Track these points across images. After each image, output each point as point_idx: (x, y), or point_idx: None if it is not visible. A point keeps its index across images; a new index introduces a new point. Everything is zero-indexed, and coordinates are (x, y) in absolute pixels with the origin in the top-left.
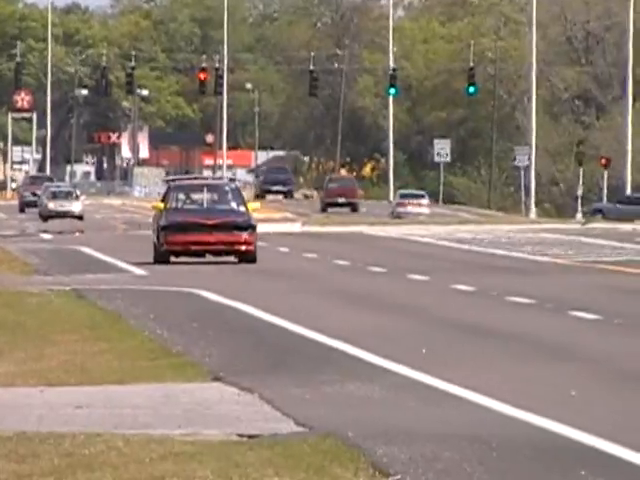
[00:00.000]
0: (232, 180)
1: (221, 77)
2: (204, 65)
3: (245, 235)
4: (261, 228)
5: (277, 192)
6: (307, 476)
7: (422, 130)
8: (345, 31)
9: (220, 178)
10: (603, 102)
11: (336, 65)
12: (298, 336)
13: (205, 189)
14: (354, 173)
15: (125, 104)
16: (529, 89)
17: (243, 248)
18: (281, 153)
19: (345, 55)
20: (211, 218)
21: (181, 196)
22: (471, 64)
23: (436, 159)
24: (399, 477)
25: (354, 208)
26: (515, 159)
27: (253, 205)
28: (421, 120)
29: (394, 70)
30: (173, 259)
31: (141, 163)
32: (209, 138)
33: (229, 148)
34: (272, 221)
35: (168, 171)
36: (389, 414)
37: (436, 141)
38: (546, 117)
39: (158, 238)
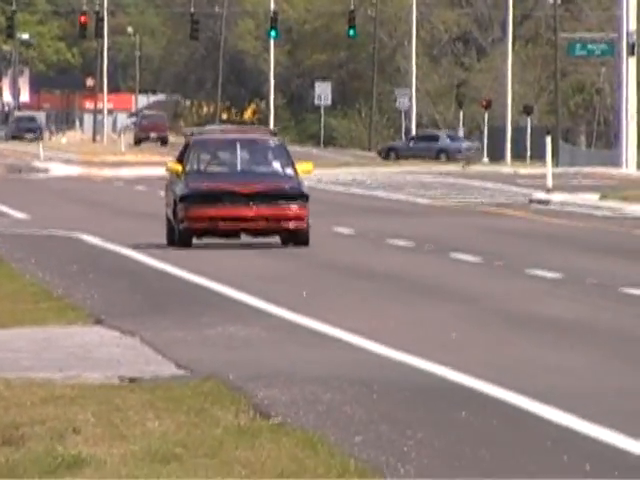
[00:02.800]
0: (274, 133)
1: (101, 20)
2: (84, 9)
3: (295, 207)
4: (146, 171)
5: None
6: (188, 418)
7: (303, 73)
8: None
9: (256, 129)
10: (483, 44)
11: (217, 8)
12: (180, 279)
13: (238, 145)
14: (235, 116)
15: (6, 48)
16: (409, 31)
17: (292, 225)
18: (162, 97)
19: None
20: (248, 184)
21: (206, 155)
22: (351, 7)
23: (317, 102)
24: (280, 419)
25: (164, 141)
26: (396, 101)
27: (304, 166)
28: (302, 63)
29: (275, 13)
30: (196, 241)
31: (22, 107)
32: (89, 82)
33: (110, 92)
34: (151, 164)
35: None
36: (270, 357)
37: (317, 84)
38: (426, 59)
39: (175, 212)
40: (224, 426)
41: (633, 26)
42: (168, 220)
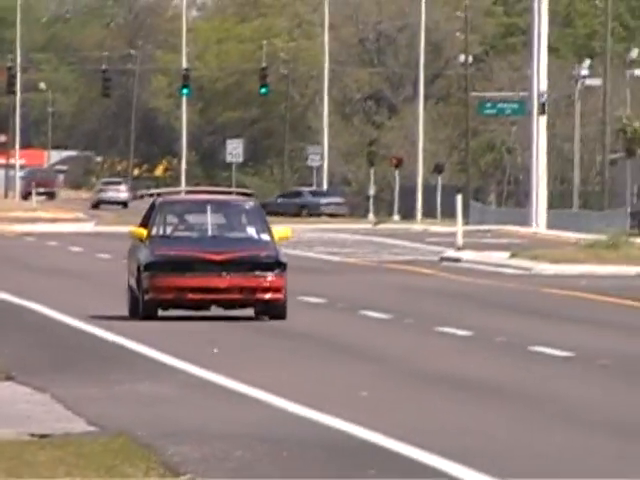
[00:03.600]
0: (249, 195)
1: (14, 77)
2: None
3: (271, 277)
4: (53, 228)
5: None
6: (98, 475)
7: (215, 130)
8: (138, 31)
9: (230, 192)
10: (395, 102)
11: (129, 65)
12: (89, 335)
13: (209, 207)
14: (147, 173)
15: None
16: (321, 90)
17: (268, 296)
18: (74, 153)
19: (138, 55)
20: (220, 251)
21: (173, 218)
22: (263, 64)
23: (228, 159)
24: (190, 476)
25: (51, 196)
26: (307, 159)
27: (281, 232)
28: (214, 120)
29: (187, 70)
30: (162, 313)
31: None
32: (1, 138)
33: (22, 147)
34: (63, 221)
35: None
36: (180, 413)
37: (228, 141)
38: (338, 117)
39: (139, 282)
40: None
41: (543, 86)
42: (131, 290)
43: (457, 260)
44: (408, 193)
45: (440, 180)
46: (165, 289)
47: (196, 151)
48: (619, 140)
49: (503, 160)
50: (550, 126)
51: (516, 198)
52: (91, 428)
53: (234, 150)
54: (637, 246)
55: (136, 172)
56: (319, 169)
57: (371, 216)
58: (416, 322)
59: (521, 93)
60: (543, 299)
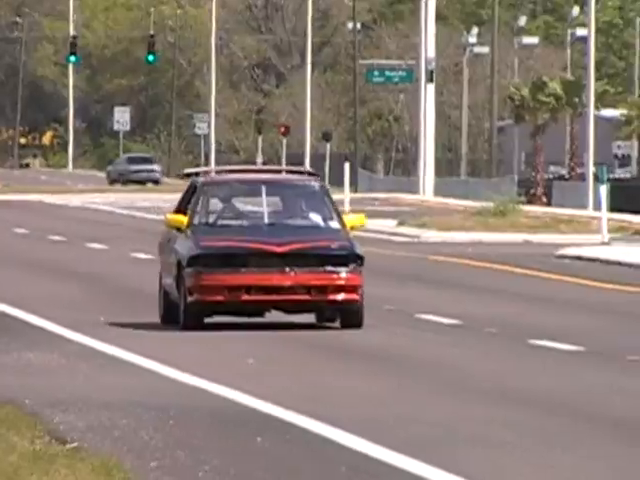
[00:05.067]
0: (313, 174)
1: None
2: None
3: (345, 272)
4: None
5: None
6: None
7: (102, 98)
8: None
9: (289, 170)
10: (283, 70)
11: (16, 33)
12: None
13: (264, 189)
14: (34, 141)
15: None
16: (209, 57)
17: (341, 297)
18: None
19: (24, 23)
20: (282, 242)
21: (219, 203)
22: (151, 32)
23: (116, 127)
24: (76, 444)
25: None
26: (195, 127)
27: (354, 220)
28: (101, 88)
29: (74, 38)
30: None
31: None
32: None
33: None
34: None
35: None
36: (68, 382)
37: (116, 109)
38: (226, 85)
39: (179, 280)
40: (20, 452)
41: (432, 54)
42: (165, 293)
43: None
44: (296, 161)
45: (328, 148)
46: (215, 289)
47: (83, 119)
48: (507, 107)
49: (391, 128)
50: (438, 94)
51: (404, 166)
52: None
53: (121, 118)
54: (524, 213)
55: (23, 141)
56: (206, 137)
57: None
58: None
59: (409, 61)
60: (430, 267)
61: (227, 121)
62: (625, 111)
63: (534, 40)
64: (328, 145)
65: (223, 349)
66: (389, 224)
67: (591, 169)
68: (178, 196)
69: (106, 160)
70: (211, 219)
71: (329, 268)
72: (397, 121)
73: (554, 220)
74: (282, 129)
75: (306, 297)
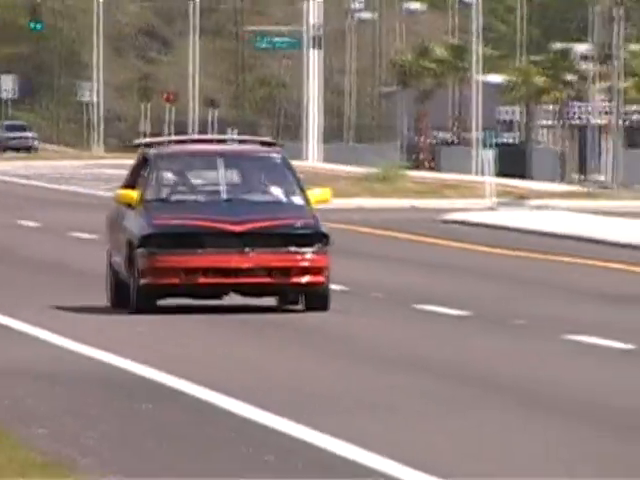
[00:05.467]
0: (272, 144)
1: None
2: None
3: (310, 253)
4: None
5: None
6: None
7: None
8: None
9: (246, 140)
10: (168, 37)
11: None
12: None
13: (221, 162)
14: None
15: None
16: (94, 25)
17: (305, 280)
18: None
19: None
20: (241, 220)
21: (172, 176)
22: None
23: (3, 95)
24: None
25: None
26: (80, 94)
27: (320, 194)
28: None
29: None
30: (162, 302)
31: None
32: None
33: None
34: None
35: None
36: None
37: (2, 77)
38: (111, 53)
39: (130, 261)
40: None
41: (318, 19)
42: (114, 272)
43: None
44: (182, 128)
45: (214, 115)
46: (168, 271)
47: None
48: (393, 73)
49: (277, 94)
50: (325, 60)
51: (291, 132)
52: None
53: (7, 86)
54: (410, 179)
55: None
56: (92, 105)
57: None
58: None
59: (296, 27)
60: None
61: (113, 89)
62: (509, 77)
63: (420, 6)
64: (214, 111)
65: (109, 316)
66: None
67: (476, 134)
68: (57, 164)
69: None
70: (164, 194)
71: (292, 248)
72: (283, 87)
73: (440, 185)
74: (168, 96)
75: (267, 280)
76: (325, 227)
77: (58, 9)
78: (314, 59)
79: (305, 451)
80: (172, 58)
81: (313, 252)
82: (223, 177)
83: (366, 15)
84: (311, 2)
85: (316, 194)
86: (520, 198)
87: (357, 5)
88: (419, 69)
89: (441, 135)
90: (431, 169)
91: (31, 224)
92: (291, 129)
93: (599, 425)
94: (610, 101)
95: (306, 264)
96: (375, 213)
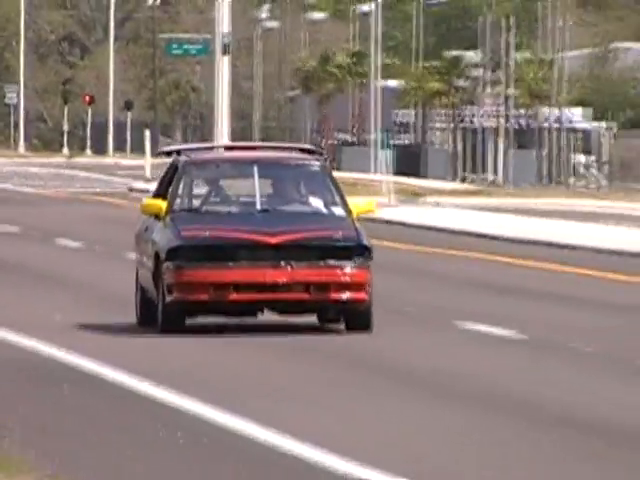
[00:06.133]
0: (312, 152)
1: None
2: None
3: (350, 267)
4: None
5: None
6: None
7: None
8: None
9: (285, 147)
10: (87, 44)
11: None
12: None
13: (257, 170)
14: None
15: None
16: (18, 31)
17: (345, 296)
18: None
19: None
20: (276, 231)
21: (206, 186)
22: None
23: None
24: None
25: None
26: (5, 97)
27: (363, 205)
28: None
29: None
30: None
31: None
32: None
33: None
34: None
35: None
36: None
37: None
38: (34, 58)
39: (156, 276)
40: None
41: (227, 28)
42: (141, 288)
43: (145, 191)
44: (100, 129)
45: (130, 116)
46: (198, 286)
47: None
48: (297, 79)
49: (188, 98)
50: (233, 66)
51: (201, 133)
52: None
53: None
54: None
55: None
56: (16, 107)
57: (65, 150)
58: (106, 249)
59: (206, 35)
60: None
61: (35, 92)
62: (405, 82)
63: (322, 16)
64: (130, 113)
65: (32, 304)
66: None
67: (374, 136)
68: None
69: None
70: (194, 204)
71: (331, 262)
72: (194, 91)
73: (341, 184)
74: (87, 99)
75: (304, 296)
76: (368, 240)
77: None
78: (223, 65)
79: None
80: (91, 63)
81: (354, 266)
82: (258, 186)
83: (272, 24)
84: (221, 12)
85: (359, 205)
86: (414, 195)
87: (263, 15)
88: (322, 75)
89: (342, 136)
90: (333, 168)
91: None
92: (202, 130)
93: (501, 413)
94: (499, 105)
95: (346, 279)
96: None
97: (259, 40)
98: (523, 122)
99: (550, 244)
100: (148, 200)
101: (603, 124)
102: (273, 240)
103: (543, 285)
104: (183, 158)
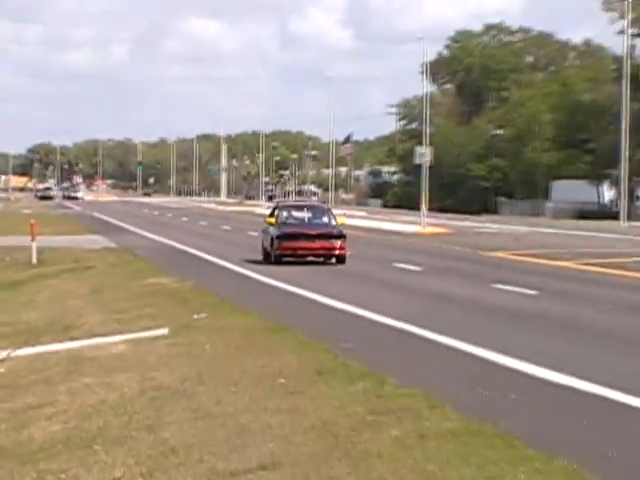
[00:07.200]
0: (324, 202)
1: None
2: None
3: (339, 242)
4: None
5: None
6: None
7: None
8: None
9: (315, 202)
10: None
11: None
12: None
13: (305, 208)
14: None
15: None
16: None
17: (337, 252)
18: None
19: None
20: (313, 230)
21: (286, 213)
22: None
23: None
24: None
25: None
26: None
27: (341, 220)
28: None
29: None
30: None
31: None
32: None
33: None
34: None
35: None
36: None
37: None
38: None
39: (272, 245)
40: None
41: None
42: (264, 249)
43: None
44: None
45: None
46: (287, 248)
47: None
48: None
49: None
50: None
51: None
52: None
53: None
54: None
55: None
56: None
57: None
58: (240, 229)
59: None
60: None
61: None
62: None
63: None
64: None
65: None
66: None
67: None
68: None
69: None
70: (284, 220)
71: (333, 240)
72: None
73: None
74: None
75: (324, 252)
76: (343, 231)
77: None
78: None
79: None
80: None
81: (340, 241)
82: (306, 214)
83: None
84: None
85: (340, 220)
86: None
87: None
88: None
89: None
90: None
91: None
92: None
93: None
94: None
95: (338, 246)
96: None
97: None
98: None
99: None
100: (268, 218)
101: None
102: (313, 232)
103: None
104: (280, 204)
